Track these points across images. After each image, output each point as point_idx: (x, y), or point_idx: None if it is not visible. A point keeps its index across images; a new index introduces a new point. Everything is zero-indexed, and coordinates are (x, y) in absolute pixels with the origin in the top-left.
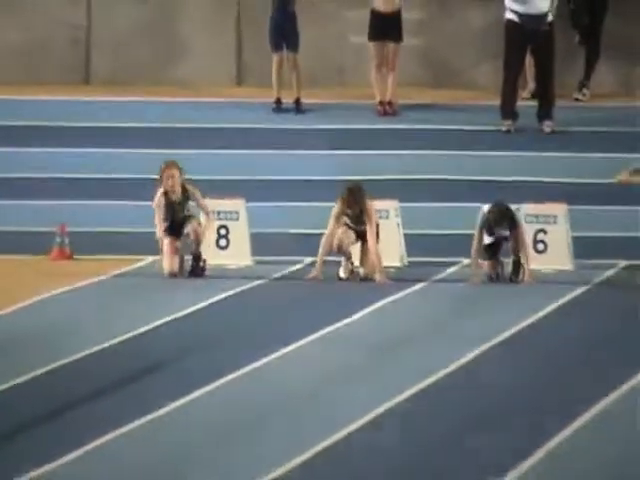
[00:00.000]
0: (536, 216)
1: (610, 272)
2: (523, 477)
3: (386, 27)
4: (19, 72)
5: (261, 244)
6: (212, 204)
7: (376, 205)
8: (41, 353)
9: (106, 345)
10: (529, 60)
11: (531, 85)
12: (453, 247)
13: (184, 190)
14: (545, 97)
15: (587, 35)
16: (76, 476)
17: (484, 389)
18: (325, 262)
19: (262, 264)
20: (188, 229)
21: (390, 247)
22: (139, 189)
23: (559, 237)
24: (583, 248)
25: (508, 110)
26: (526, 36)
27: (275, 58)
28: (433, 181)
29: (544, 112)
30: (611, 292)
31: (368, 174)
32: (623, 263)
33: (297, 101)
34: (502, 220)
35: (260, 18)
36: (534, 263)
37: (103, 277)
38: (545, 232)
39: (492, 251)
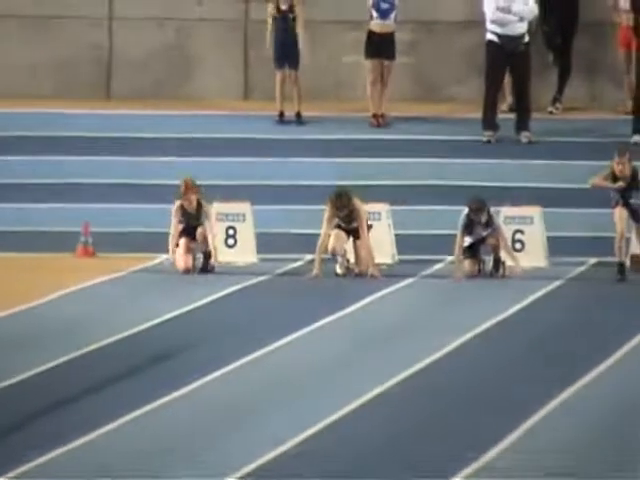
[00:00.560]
0: (514, 218)
1: (581, 268)
2: (502, 453)
3: (381, 46)
4: (48, 88)
5: (265, 243)
6: (221, 207)
7: (369, 208)
8: (67, 341)
9: (127, 334)
10: (507, 77)
11: (509, 99)
12: (439, 246)
13: (199, 205)
14: (522, 110)
15: (560, 54)
16: (95, 453)
17: (468, 374)
18: (323, 260)
19: (266, 261)
20: (198, 232)
21: (382, 246)
22: (156, 193)
23: (535, 237)
24: (557, 247)
25: (489, 122)
26: (505, 56)
27: (278, 75)
28: (421, 186)
29: (521, 124)
30: (582, 286)
31: (362, 180)
32: (593, 260)
33: (298, 114)
34: (481, 210)
35: (264, 39)
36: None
37: (123, 273)
38: (522, 232)
39: (472, 251)
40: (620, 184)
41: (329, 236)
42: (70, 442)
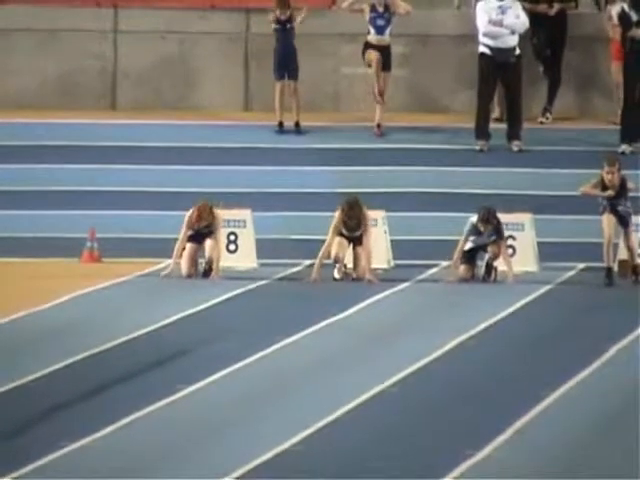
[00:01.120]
0: (506, 224)
1: (571, 273)
2: (497, 450)
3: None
4: (55, 98)
5: (265, 249)
6: (223, 214)
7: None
8: (74, 344)
9: (132, 336)
10: (498, 88)
11: (497, 109)
12: (434, 251)
13: (212, 218)
14: (514, 120)
15: (549, 66)
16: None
17: (462, 374)
18: (323, 266)
19: (266, 266)
20: (207, 244)
21: (378, 251)
22: (160, 200)
23: (526, 242)
24: (547, 252)
25: (481, 131)
26: (497, 67)
27: (278, 86)
28: (416, 193)
29: (513, 133)
30: (571, 290)
31: (359, 187)
32: (582, 265)
33: (297, 124)
34: (488, 221)
35: (265, 52)
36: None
37: (128, 277)
38: (514, 238)
39: (469, 256)
40: (609, 193)
41: (333, 245)
42: (67, 446)
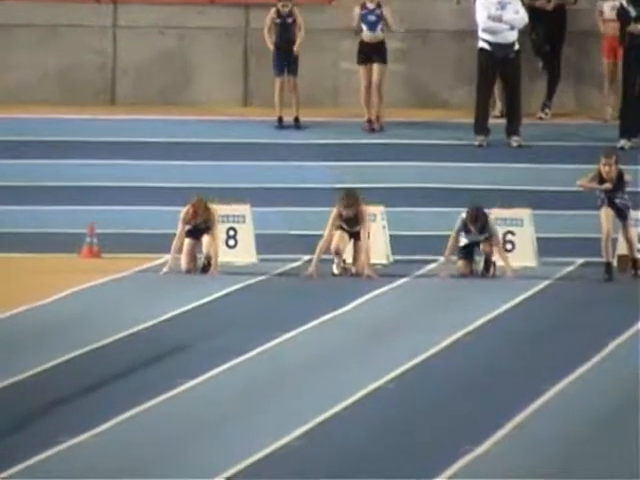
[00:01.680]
0: (505, 219)
1: (570, 268)
2: (496, 445)
3: (371, 53)
4: (55, 93)
5: (265, 244)
6: (222, 209)
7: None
8: (73, 339)
9: (131, 331)
10: (498, 83)
11: (499, 105)
12: (432, 247)
13: (208, 214)
14: (513, 115)
15: (549, 61)
16: (107, 444)
17: (461, 369)
18: (321, 261)
19: (266, 261)
20: (205, 240)
21: (377, 247)
22: (160, 195)
23: (525, 238)
24: (546, 247)
25: (480, 127)
26: (496, 63)
27: (277, 81)
28: (415, 189)
29: (512, 128)
30: (571, 285)
31: (358, 182)
32: (581, 260)
33: (296, 119)
34: (476, 220)
35: (264, 47)
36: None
37: (128, 273)
38: (513, 233)
39: (466, 251)
40: (607, 186)
41: (332, 237)
42: (66, 441)
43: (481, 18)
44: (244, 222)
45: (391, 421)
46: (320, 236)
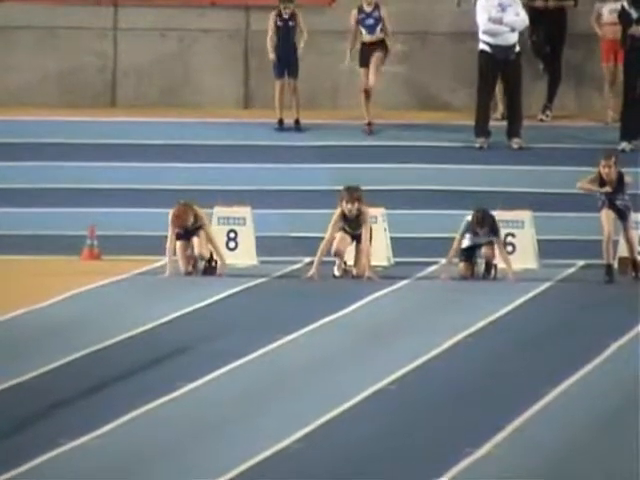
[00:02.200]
0: (505, 221)
1: (570, 270)
2: (497, 447)
3: (370, 52)
4: (55, 96)
5: (265, 246)
6: (222, 211)
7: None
8: (73, 341)
9: (131, 334)
10: (499, 85)
11: (501, 108)
12: (433, 249)
13: (195, 217)
14: (513, 117)
15: (549, 63)
16: (107, 447)
17: (462, 371)
18: (322, 263)
19: (266, 264)
20: (194, 242)
21: (378, 249)
22: (160, 198)
23: (526, 240)
24: (547, 249)
25: (481, 129)
26: (497, 65)
27: (277, 84)
28: (416, 191)
29: (513, 131)
30: (571, 287)
31: (359, 184)
32: (581, 262)
33: (297, 121)
34: (483, 223)
35: (264, 49)
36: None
37: (128, 275)
38: (514, 235)
39: (468, 253)
40: (607, 188)
41: (333, 238)
42: (64, 445)
43: (482, 20)
44: (244, 224)
45: (392, 423)
46: (321, 238)
